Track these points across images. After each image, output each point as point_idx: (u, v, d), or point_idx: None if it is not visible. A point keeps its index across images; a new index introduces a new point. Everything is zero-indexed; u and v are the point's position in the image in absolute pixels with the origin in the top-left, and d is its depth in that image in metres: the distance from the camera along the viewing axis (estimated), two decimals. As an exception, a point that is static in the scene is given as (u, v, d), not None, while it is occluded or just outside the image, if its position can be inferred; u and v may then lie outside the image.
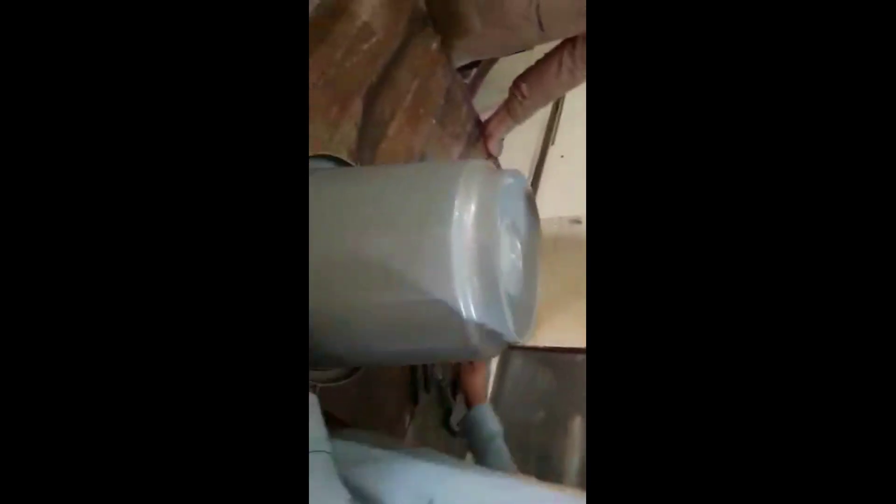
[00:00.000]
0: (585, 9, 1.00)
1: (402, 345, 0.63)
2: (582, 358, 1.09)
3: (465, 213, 0.54)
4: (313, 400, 0.51)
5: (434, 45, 1.09)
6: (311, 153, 0.75)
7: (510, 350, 1.19)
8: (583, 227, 1.33)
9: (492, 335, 0.56)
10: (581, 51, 1.14)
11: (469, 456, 0.92)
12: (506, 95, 1.28)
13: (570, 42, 1.15)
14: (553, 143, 1.75)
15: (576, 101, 1.70)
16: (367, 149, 0.89)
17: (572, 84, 1.21)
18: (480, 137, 1.26)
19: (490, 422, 0.87)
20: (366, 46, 0.90)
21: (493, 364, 1.18)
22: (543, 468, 1.03)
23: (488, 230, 0.54)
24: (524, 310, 0.65)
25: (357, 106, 0.88)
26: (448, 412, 1.03)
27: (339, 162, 0.80)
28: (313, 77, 0.79)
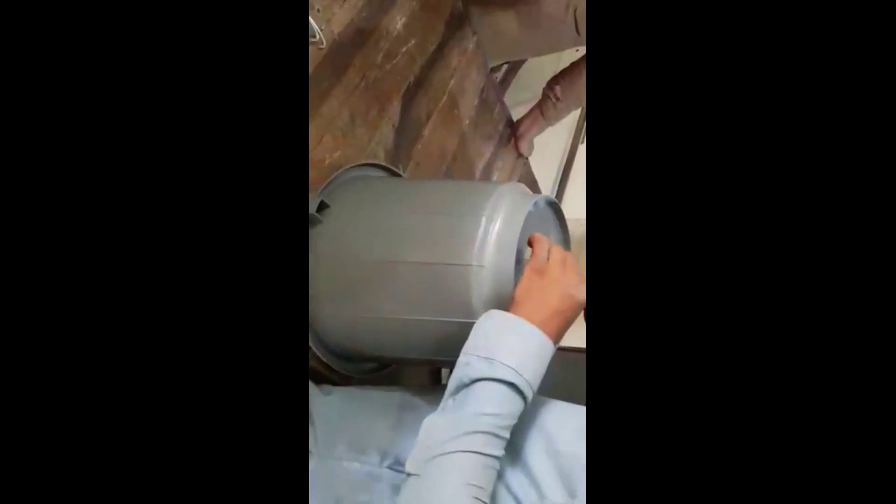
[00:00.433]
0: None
1: (428, 355, 0.68)
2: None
3: (487, 240, 0.59)
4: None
5: (470, 46, 1.11)
6: (350, 164, 0.78)
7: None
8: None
9: None
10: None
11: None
12: (534, 93, 1.29)
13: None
14: (582, 142, 1.75)
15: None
16: (403, 149, 0.92)
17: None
18: (512, 137, 1.28)
19: None
20: (404, 49, 0.93)
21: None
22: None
23: (507, 255, 0.58)
24: None
25: (395, 107, 0.90)
26: None
27: (382, 168, 0.83)
28: (355, 80, 0.81)
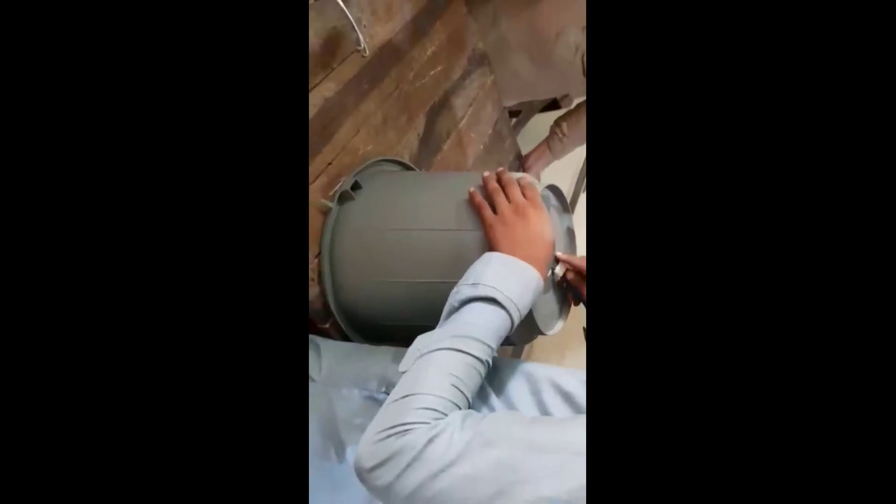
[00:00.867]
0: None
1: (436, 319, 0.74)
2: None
3: None
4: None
5: (488, 82, 1.23)
6: (380, 156, 0.88)
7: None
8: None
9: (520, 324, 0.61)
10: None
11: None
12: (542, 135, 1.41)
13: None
14: (583, 192, 1.86)
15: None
16: (424, 157, 1.02)
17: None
18: (521, 169, 1.39)
19: None
20: (433, 72, 1.05)
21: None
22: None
23: None
24: (551, 305, 0.74)
25: (421, 120, 1.01)
26: None
27: (403, 165, 0.93)
28: (390, 89, 0.92)
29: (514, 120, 1.83)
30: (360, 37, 0.84)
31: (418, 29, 1.01)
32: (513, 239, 0.57)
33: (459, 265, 0.60)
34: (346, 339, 0.79)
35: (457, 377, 0.47)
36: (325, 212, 0.77)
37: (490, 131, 1.25)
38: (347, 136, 0.83)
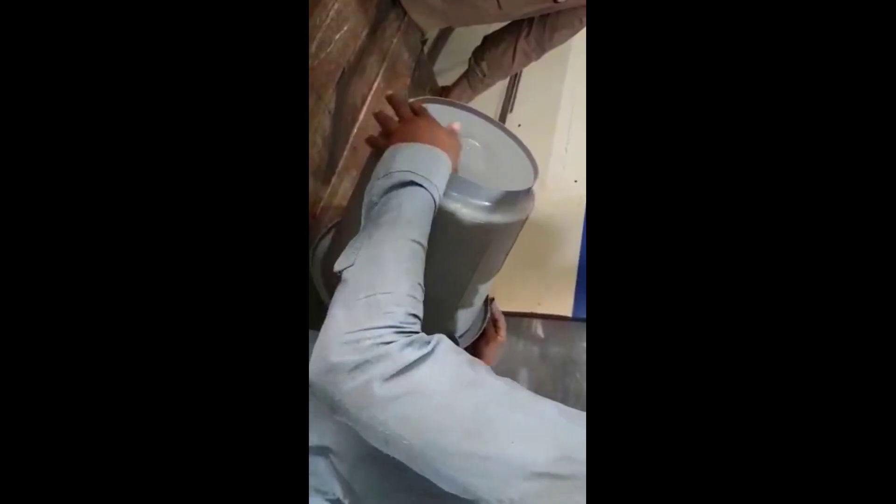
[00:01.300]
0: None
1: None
2: (528, 320, 1.24)
3: None
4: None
5: (400, 27, 1.14)
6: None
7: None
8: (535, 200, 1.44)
9: (483, 202, 0.61)
10: (536, 34, 1.22)
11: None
12: (465, 55, 1.35)
13: (525, 27, 1.22)
14: (511, 111, 1.83)
15: (533, 73, 1.77)
16: (340, 134, 0.96)
17: (528, 63, 1.30)
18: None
19: None
20: (337, 36, 0.96)
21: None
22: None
23: None
24: (505, 172, 0.73)
25: (331, 94, 0.94)
26: None
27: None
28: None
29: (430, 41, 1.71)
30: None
31: (317, -11, 0.90)
32: (412, 132, 0.56)
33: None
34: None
35: (412, 269, 0.46)
36: None
37: (408, 82, 1.18)
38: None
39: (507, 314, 1.33)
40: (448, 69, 1.79)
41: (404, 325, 0.42)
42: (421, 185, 0.51)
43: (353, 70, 0.99)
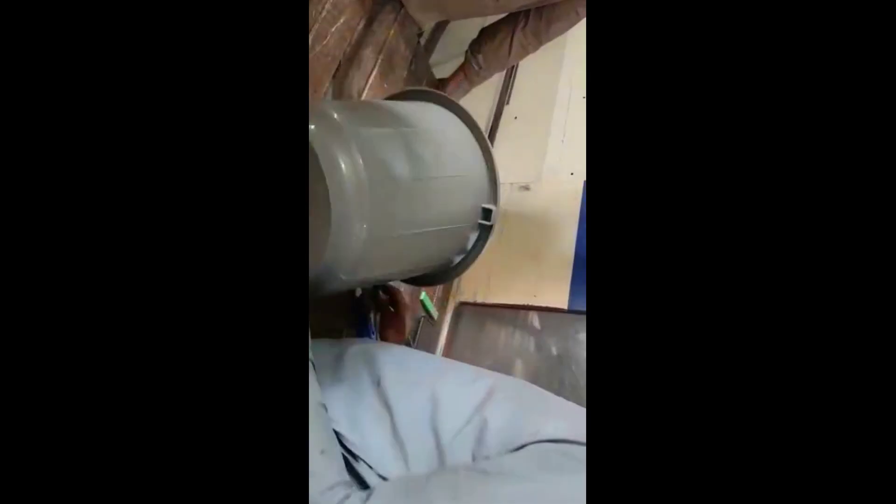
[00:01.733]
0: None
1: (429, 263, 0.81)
2: (525, 313, 1.24)
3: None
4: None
5: (397, 19, 1.14)
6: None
7: (463, 306, 1.33)
8: (531, 194, 1.45)
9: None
10: (532, 26, 1.21)
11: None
12: (462, 47, 1.34)
13: (522, 19, 1.21)
14: (508, 104, 1.83)
15: (529, 65, 1.77)
16: (336, 128, 0.96)
17: (525, 55, 1.29)
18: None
19: None
20: (335, 28, 0.95)
21: (446, 321, 1.32)
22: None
23: None
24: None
25: (327, 87, 0.94)
26: None
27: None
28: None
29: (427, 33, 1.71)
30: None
31: (312, -19, 0.90)
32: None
33: (468, 206, 0.75)
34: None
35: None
36: None
37: (405, 74, 1.18)
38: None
39: (503, 307, 1.34)
40: (445, 61, 1.79)
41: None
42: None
43: (349, 62, 0.99)
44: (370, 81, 1.06)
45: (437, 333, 1.30)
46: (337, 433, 0.53)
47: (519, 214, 1.39)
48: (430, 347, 1.26)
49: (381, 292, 0.97)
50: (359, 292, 0.98)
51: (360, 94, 1.03)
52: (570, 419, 0.45)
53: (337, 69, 0.96)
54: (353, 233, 0.60)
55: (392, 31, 1.12)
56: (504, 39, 1.25)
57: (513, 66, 1.78)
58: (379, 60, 1.08)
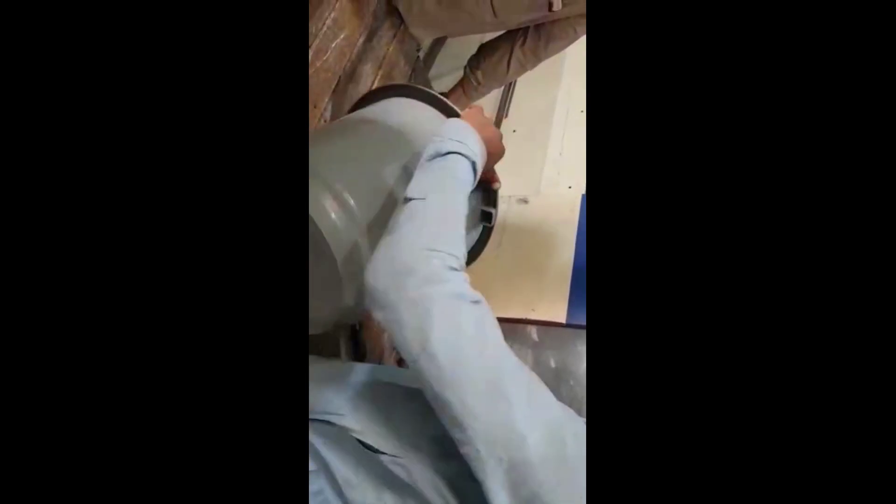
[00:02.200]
0: (535, 2, 1.08)
1: None
2: (523, 326, 1.24)
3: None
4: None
5: (396, 35, 1.15)
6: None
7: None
8: (529, 207, 1.46)
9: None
10: (531, 44, 1.23)
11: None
12: (460, 61, 1.36)
13: (521, 36, 1.23)
14: (506, 117, 1.84)
15: (528, 79, 1.79)
16: (335, 142, 0.97)
17: (523, 72, 1.31)
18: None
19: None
20: (334, 44, 0.96)
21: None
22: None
23: None
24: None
25: (327, 103, 0.95)
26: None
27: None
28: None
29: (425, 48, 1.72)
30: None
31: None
32: (482, 123, 0.65)
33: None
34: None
35: (462, 233, 0.52)
36: None
37: (404, 89, 1.19)
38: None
39: (501, 320, 1.34)
40: (444, 74, 1.81)
41: (463, 262, 0.47)
42: (475, 172, 0.59)
43: (348, 77, 1.00)
44: (370, 96, 1.07)
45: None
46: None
47: (517, 227, 1.39)
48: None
49: None
50: None
51: (359, 109, 1.04)
52: None
53: (336, 85, 0.97)
54: (362, 257, 0.61)
55: (392, 47, 1.13)
56: (503, 56, 1.27)
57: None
58: (379, 75, 1.09)
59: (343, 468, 0.51)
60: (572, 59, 1.74)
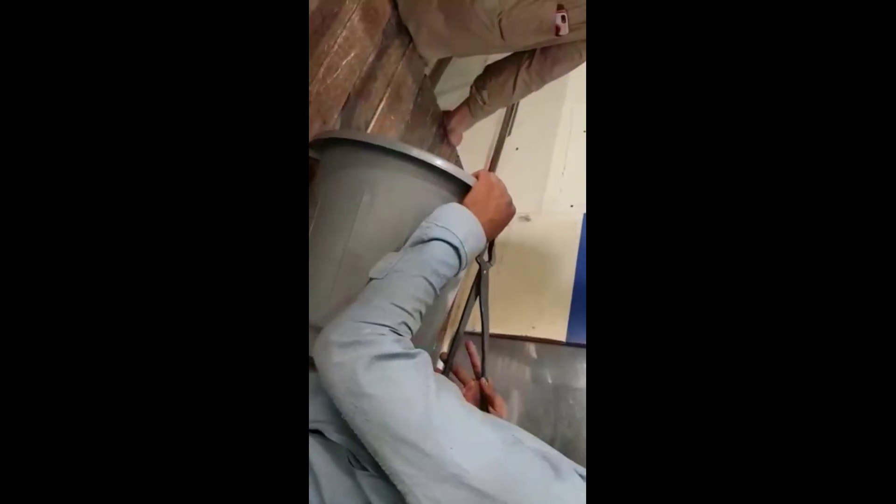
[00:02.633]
0: (543, 26, 1.11)
1: None
2: (522, 344, 1.25)
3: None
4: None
5: (405, 53, 1.17)
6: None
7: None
8: (530, 225, 1.47)
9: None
10: (537, 66, 1.25)
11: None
12: (465, 79, 1.38)
13: (527, 58, 1.25)
14: (509, 135, 1.86)
15: (532, 98, 1.82)
16: (343, 158, 0.99)
17: (528, 93, 1.33)
18: (444, 133, 1.37)
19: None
20: (344, 62, 0.98)
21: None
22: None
23: None
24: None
25: (336, 119, 0.97)
26: None
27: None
28: (299, 97, 0.87)
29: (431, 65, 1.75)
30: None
31: (326, 15, 0.93)
32: (487, 205, 0.69)
33: None
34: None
35: (422, 302, 0.58)
36: None
37: (411, 107, 1.21)
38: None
39: (500, 337, 1.35)
40: (449, 91, 1.83)
41: (399, 330, 0.53)
42: (461, 260, 0.62)
43: (358, 94, 1.02)
44: (377, 113, 1.09)
45: (434, 361, 1.31)
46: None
47: (518, 245, 1.41)
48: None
49: None
50: None
51: (367, 126, 1.06)
52: None
53: (346, 101, 0.99)
54: None
55: (400, 65, 1.15)
56: (509, 77, 1.29)
57: (515, 100, 1.82)
58: (387, 93, 1.11)
59: (325, 481, 0.53)
60: (576, 80, 1.77)
